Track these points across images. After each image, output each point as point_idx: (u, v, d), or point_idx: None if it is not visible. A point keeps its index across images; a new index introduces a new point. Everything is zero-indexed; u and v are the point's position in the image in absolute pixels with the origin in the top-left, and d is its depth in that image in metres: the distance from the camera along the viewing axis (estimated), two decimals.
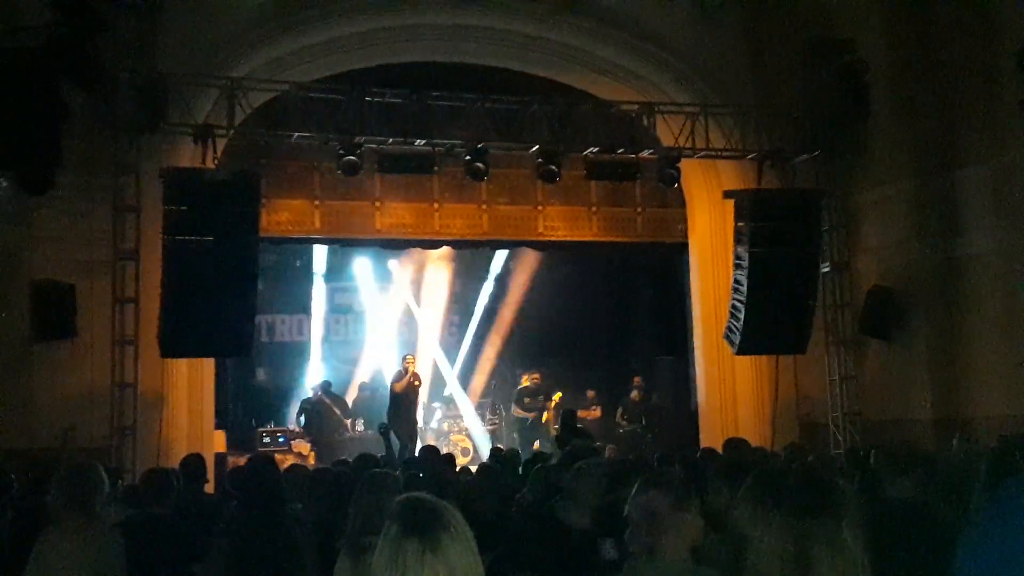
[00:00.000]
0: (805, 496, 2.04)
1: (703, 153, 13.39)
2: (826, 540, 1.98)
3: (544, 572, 4.13)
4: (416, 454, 12.56)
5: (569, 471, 4.50)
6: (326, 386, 16.63)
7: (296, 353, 17.99)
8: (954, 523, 4.10)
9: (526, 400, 16.17)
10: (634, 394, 16.26)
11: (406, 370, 15.56)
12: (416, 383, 15.63)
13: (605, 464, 5.52)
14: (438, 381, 18.00)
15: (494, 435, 16.86)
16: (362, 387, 17.48)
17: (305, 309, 18.03)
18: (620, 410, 16.17)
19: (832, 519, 2.00)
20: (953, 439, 9.02)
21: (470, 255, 17.83)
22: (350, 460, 8.57)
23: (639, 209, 15.87)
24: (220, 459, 12.91)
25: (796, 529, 1.99)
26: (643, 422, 16.10)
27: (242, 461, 10.84)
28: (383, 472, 4.97)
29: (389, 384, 15.66)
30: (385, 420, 14.24)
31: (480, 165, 12.47)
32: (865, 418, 13.30)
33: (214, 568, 5.03)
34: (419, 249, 16.79)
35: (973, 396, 12.08)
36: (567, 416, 13.20)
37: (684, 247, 15.58)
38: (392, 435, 12.08)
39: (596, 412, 16.35)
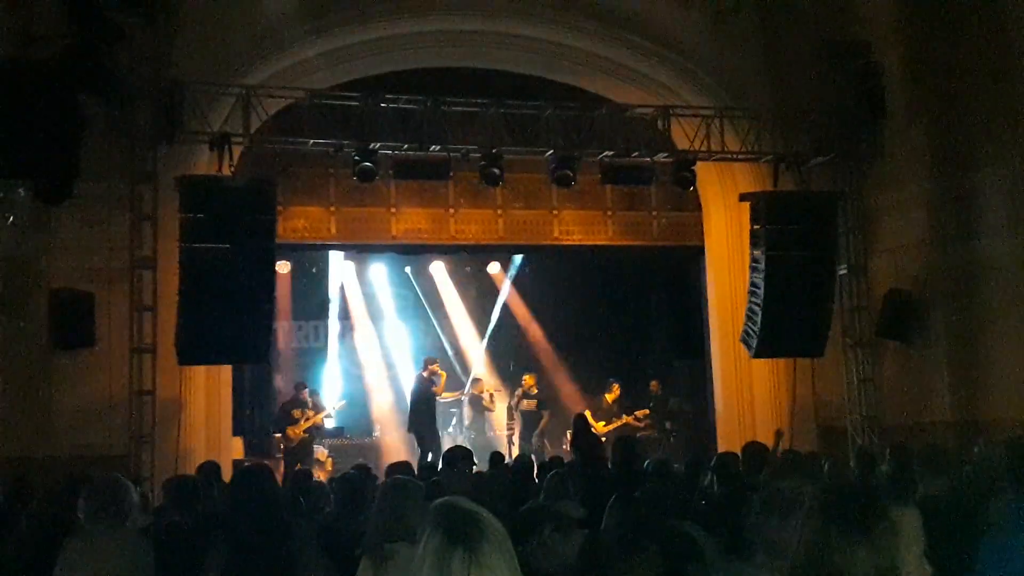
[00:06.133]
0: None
1: (718, 156, 13.35)
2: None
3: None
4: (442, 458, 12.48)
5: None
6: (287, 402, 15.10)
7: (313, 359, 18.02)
8: (983, 521, 4.13)
9: (524, 403, 16.13)
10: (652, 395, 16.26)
11: (428, 374, 15.57)
12: (437, 388, 15.64)
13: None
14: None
15: (510, 439, 16.85)
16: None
17: (321, 315, 18.07)
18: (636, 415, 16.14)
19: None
20: (976, 444, 8.91)
21: (485, 260, 17.84)
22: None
23: (655, 213, 15.86)
24: (238, 466, 12.93)
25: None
26: (661, 426, 16.07)
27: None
28: (406, 479, 4.94)
29: (412, 389, 15.65)
30: (406, 426, 14.19)
31: (495, 170, 12.46)
32: (883, 421, 13.21)
33: None
34: (435, 254, 16.80)
35: (992, 398, 11.97)
36: (579, 421, 13.17)
37: (700, 250, 15.54)
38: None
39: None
